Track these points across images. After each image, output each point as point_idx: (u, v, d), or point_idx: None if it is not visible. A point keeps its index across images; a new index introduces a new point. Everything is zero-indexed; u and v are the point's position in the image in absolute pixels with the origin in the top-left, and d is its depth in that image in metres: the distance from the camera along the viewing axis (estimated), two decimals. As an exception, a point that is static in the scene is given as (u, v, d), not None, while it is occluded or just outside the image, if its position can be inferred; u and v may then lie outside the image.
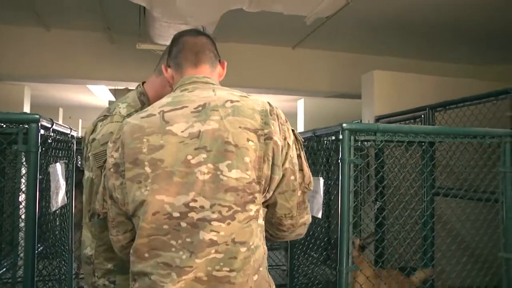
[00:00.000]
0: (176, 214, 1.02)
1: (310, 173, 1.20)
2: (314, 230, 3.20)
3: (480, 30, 4.44)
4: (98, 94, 8.11)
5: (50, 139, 2.13)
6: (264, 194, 1.09)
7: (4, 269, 2.58)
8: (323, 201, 2.44)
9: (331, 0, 2.67)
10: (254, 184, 1.05)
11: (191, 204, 1.02)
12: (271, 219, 1.17)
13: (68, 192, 2.46)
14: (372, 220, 3.11)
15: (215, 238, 1.01)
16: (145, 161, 1.04)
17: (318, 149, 2.79)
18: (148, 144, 1.05)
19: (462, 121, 2.96)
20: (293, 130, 1.17)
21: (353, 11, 3.62)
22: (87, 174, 1.33)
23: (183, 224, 1.02)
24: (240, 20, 3.94)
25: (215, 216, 1.01)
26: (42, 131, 1.78)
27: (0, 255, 2.52)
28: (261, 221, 1.10)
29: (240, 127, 1.06)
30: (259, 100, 1.13)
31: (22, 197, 1.73)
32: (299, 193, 1.15)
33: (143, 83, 1.50)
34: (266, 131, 1.07)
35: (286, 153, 1.11)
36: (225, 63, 1.32)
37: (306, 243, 3.13)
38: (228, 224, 1.02)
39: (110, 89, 7.64)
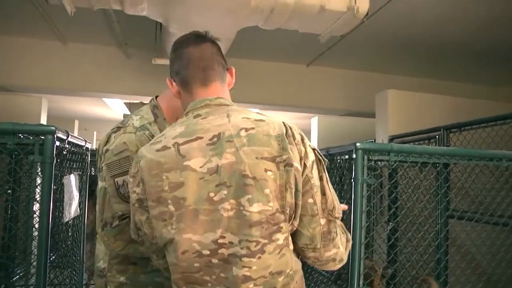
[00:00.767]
0: (206, 252, 1.01)
1: (336, 197, 1.11)
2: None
3: (493, 50, 4.43)
4: (113, 108, 8.23)
5: (65, 150, 2.16)
6: (291, 222, 1.05)
7: (18, 276, 2.62)
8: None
9: (346, 19, 2.68)
10: (278, 214, 1.02)
11: (220, 240, 1.01)
12: (295, 250, 1.11)
13: (81, 203, 2.48)
14: (384, 241, 3.06)
15: (248, 274, 1.00)
16: (168, 199, 1.03)
17: (331, 167, 2.78)
18: (168, 182, 1.04)
19: (478, 142, 2.93)
20: (314, 149, 1.10)
21: (367, 30, 3.63)
22: (100, 184, 1.34)
23: (215, 261, 1.01)
24: (255, 37, 3.98)
25: (244, 252, 1.00)
26: (57, 143, 1.81)
27: (14, 262, 2.56)
28: (292, 246, 1.07)
29: (256, 158, 1.02)
30: (275, 122, 1.07)
31: (36, 207, 1.75)
32: (322, 221, 1.06)
33: (156, 96, 1.51)
34: (284, 157, 1.03)
35: (302, 174, 1.05)
36: (233, 70, 1.26)
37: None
38: (259, 258, 1.00)
39: (125, 103, 7.76)
